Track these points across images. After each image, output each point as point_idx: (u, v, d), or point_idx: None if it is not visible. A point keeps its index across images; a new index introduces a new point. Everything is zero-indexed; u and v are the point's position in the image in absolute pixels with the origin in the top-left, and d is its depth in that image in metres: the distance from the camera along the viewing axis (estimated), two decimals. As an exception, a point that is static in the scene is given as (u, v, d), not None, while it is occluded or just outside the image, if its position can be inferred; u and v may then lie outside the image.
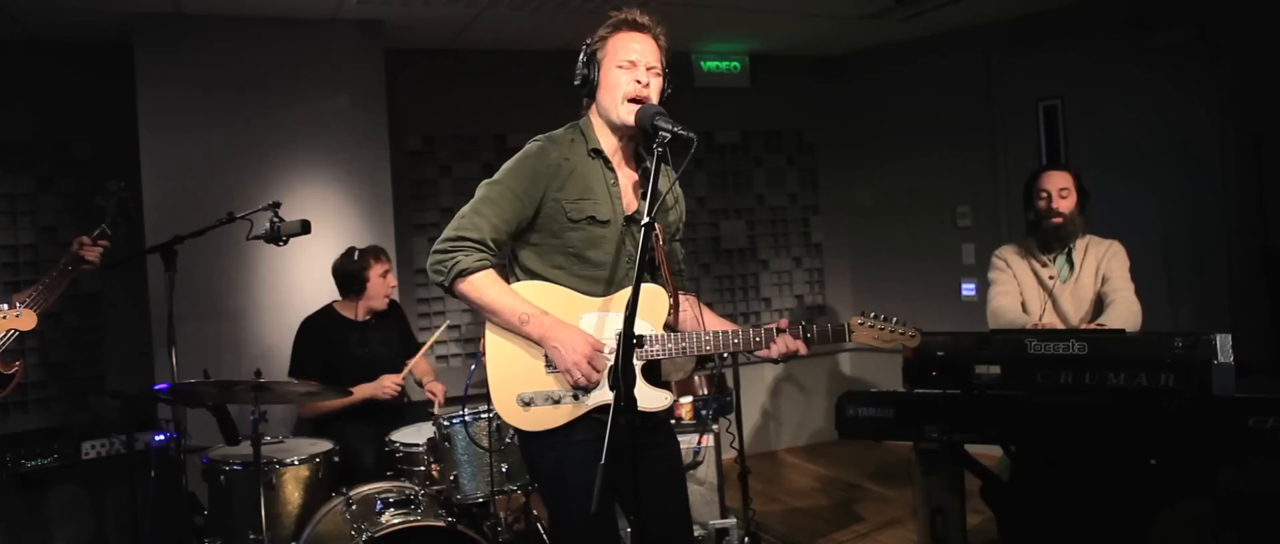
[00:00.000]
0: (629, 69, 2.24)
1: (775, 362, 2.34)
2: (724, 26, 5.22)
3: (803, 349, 2.28)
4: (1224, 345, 2.48)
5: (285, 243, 3.55)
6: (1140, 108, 4.99)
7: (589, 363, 2.16)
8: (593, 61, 2.28)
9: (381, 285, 3.89)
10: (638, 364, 2.18)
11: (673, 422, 3.94)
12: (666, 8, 4.42)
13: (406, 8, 4.37)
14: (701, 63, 5.75)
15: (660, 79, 2.28)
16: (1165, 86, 4.90)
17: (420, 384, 4.05)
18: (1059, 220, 3.46)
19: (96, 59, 4.55)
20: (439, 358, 5.20)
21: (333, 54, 4.57)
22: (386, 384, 3.79)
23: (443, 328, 4.12)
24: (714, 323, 2.41)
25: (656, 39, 2.28)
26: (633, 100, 2.22)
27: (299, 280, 4.42)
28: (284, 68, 4.49)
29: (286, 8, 4.34)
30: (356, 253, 3.89)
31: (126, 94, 4.29)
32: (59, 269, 3.22)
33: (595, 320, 2.23)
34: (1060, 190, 3.47)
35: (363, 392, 3.75)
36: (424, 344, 3.97)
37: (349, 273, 3.88)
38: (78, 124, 4.56)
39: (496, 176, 2.26)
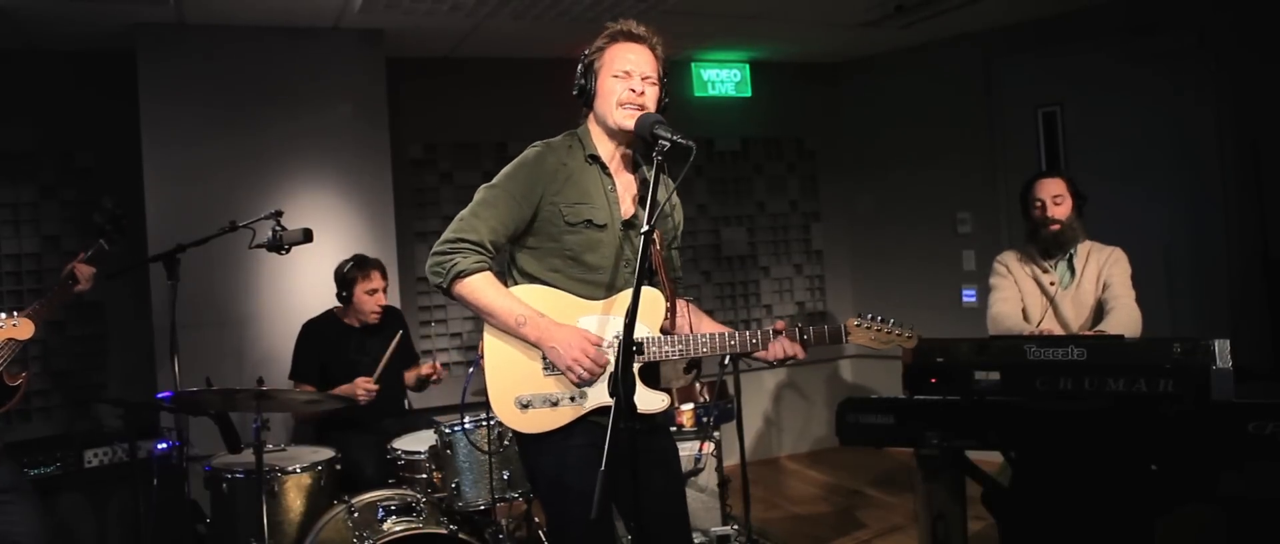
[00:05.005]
0: (624, 79, 2.26)
1: (772, 365, 2.34)
2: (724, 35, 5.24)
3: (800, 352, 2.29)
4: (1223, 351, 2.48)
5: (287, 251, 3.56)
6: (1139, 114, 5.00)
7: (589, 357, 2.17)
8: (590, 72, 2.32)
9: (366, 302, 3.88)
10: (635, 367, 2.19)
11: (673, 429, 3.95)
12: (666, 17, 4.45)
13: (408, 17, 4.39)
14: (701, 71, 5.77)
15: (657, 89, 2.30)
16: (1164, 92, 4.91)
17: (418, 390, 4.05)
18: (1056, 227, 3.48)
19: (99, 69, 4.57)
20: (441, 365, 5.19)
21: (334, 63, 4.60)
22: (357, 387, 3.68)
23: (397, 338, 3.83)
24: (709, 328, 2.41)
25: (653, 49, 2.31)
26: (627, 105, 2.24)
27: (301, 288, 4.43)
28: (286, 77, 4.51)
29: (288, 17, 4.36)
30: (351, 264, 3.90)
31: (129, 103, 4.31)
32: (52, 294, 3.18)
33: (594, 324, 2.25)
34: (1054, 198, 3.49)
35: (341, 391, 3.67)
36: (387, 351, 3.75)
37: (340, 279, 3.91)
38: (81, 133, 4.58)
39: (495, 180, 2.28)
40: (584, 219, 2.25)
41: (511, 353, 2.23)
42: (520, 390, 2.22)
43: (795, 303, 6.20)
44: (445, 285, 2.22)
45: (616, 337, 2.20)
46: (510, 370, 2.23)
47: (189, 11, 4.17)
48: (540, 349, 2.21)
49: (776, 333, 2.28)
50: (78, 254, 3.24)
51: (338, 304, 4.00)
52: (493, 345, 2.25)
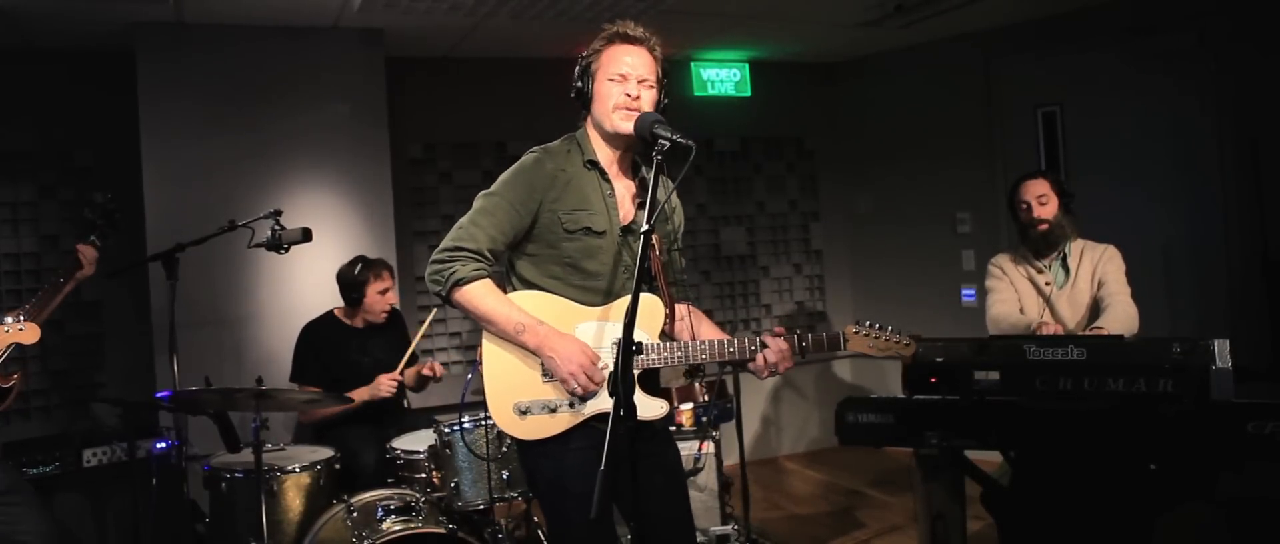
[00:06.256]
0: (620, 82, 2.25)
1: (762, 378, 2.33)
2: (724, 34, 5.24)
3: (786, 363, 2.26)
4: (1222, 350, 2.48)
5: (286, 250, 3.56)
6: (1139, 113, 5.00)
7: (586, 373, 2.17)
8: (587, 74, 2.30)
9: (378, 301, 3.90)
10: (635, 372, 2.18)
11: (673, 429, 3.94)
12: (666, 16, 4.45)
13: (407, 16, 4.39)
14: (701, 70, 5.77)
15: (654, 91, 2.28)
16: (1164, 92, 4.91)
17: (417, 390, 4.05)
18: (1044, 227, 3.53)
19: (98, 68, 4.57)
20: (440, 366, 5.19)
21: (334, 62, 4.59)
22: (383, 384, 3.79)
23: (428, 321, 4.04)
24: (711, 331, 2.41)
25: (651, 51, 2.29)
26: (622, 110, 2.23)
27: (300, 288, 4.43)
28: (285, 76, 4.50)
29: (288, 16, 4.35)
30: (360, 265, 3.91)
31: (128, 103, 4.31)
32: (51, 282, 3.19)
33: (593, 330, 2.24)
34: (1039, 198, 3.53)
35: (360, 395, 3.76)
36: (412, 341, 3.91)
37: (350, 282, 3.91)
38: (80, 133, 4.58)
39: (493, 188, 2.28)
40: (582, 226, 2.25)
41: (510, 360, 2.23)
42: (519, 396, 2.22)
43: (794, 302, 6.20)
44: (445, 293, 2.22)
45: (614, 343, 2.20)
46: (509, 377, 2.23)
47: (188, 11, 4.16)
48: (539, 356, 2.20)
49: (776, 335, 2.27)
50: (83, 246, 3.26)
51: (338, 306, 4.00)
52: (491, 352, 2.24)
